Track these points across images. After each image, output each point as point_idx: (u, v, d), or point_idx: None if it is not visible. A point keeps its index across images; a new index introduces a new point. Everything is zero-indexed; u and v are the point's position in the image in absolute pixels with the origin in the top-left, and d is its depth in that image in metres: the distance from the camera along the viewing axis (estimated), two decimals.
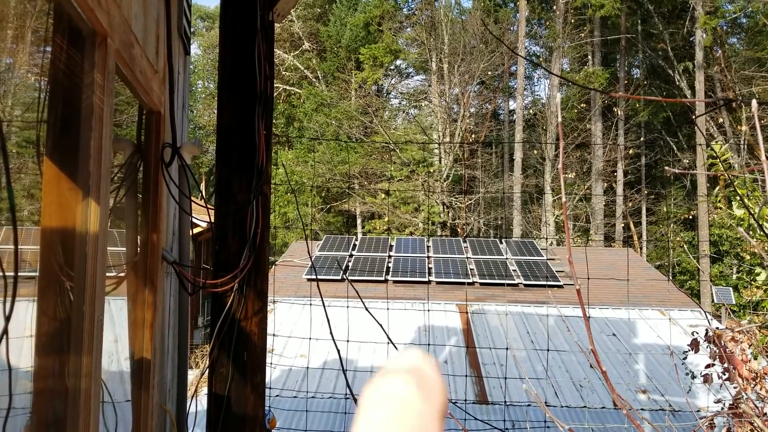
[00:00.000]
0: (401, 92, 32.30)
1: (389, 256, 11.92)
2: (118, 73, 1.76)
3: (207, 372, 2.45)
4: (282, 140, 30.23)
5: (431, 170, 26.30)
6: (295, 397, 6.85)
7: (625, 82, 27.73)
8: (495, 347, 8.24)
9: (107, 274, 1.72)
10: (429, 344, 8.01)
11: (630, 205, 26.41)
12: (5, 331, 1.06)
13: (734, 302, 15.79)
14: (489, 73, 27.98)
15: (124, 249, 2.43)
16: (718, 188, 22.06)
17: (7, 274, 1.12)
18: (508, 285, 10.64)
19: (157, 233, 2.40)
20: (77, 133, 1.52)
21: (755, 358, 3.57)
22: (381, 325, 2.52)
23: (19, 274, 1.19)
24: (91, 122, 1.51)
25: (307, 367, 7.07)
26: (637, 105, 26.75)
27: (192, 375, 9.26)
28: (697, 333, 3.98)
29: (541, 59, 29.04)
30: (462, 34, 27.44)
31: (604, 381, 7.24)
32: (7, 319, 1.07)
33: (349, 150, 25.93)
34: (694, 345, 3.95)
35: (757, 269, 15.97)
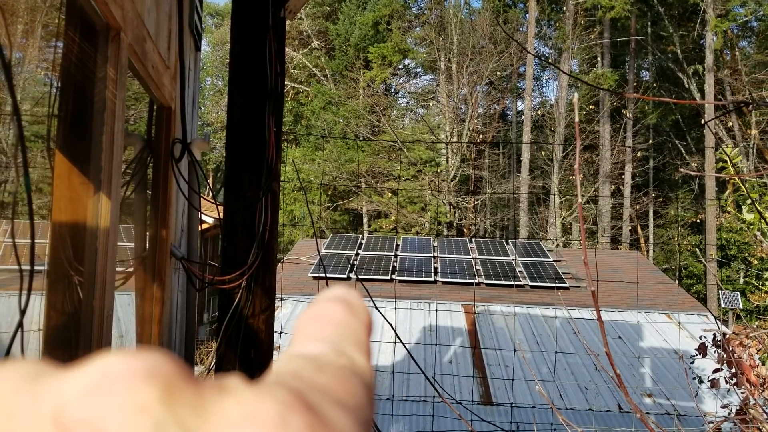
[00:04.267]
0: (409, 92, 32.28)
1: (395, 256, 11.91)
2: (130, 68, 1.76)
3: (213, 368, 2.45)
4: (290, 138, 30.26)
5: (438, 170, 26.27)
6: None
7: (635, 84, 27.61)
8: (500, 348, 8.22)
9: (116, 269, 1.71)
10: (434, 344, 7.99)
11: (637, 207, 26.30)
12: (20, 324, 1.06)
13: (741, 307, 15.71)
14: (497, 73, 27.91)
15: (133, 244, 2.43)
16: (727, 192, 21.97)
17: (20, 268, 1.12)
18: (515, 286, 10.61)
19: (166, 229, 2.40)
20: (89, 127, 1.52)
21: (763, 363, 3.54)
22: (391, 324, 2.50)
23: (28, 267, 1.19)
24: (104, 116, 1.50)
25: None
26: (646, 107, 26.64)
27: (198, 372, 9.28)
28: (705, 337, 3.96)
29: (550, 60, 28.96)
30: (471, 35, 27.38)
31: (609, 384, 7.22)
32: (23, 312, 1.07)
33: (356, 148, 25.93)
34: (702, 349, 3.93)
35: (766, 274, 15.90)
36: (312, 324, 0.25)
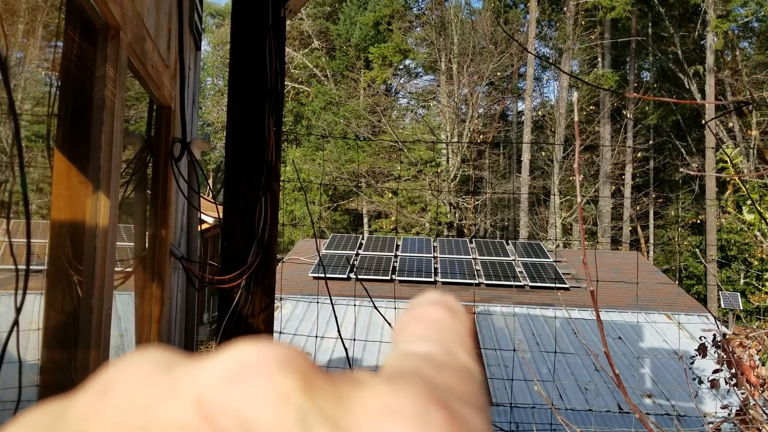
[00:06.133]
0: (410, 92, 32.27)
1: (395, 256, 11.91)
2: (129, 67, 1.76)
3: None
4: (290, 138, 30.26)
5: (439, 170, 26.28)
6: None
7: (635, 84, 27.60)
8: (500, 348, 8.21)
9: (115, 269, 1.71)
10: None
11: (638, 208, 26.30)
12: (16, 322, 1.06)
13: (741, 307, 15.70)
14: (498, 74, 27.92)
15: (133, 243, 2.43)
16: (728, 193, 21.98)
17: (17, 267, 1.12)
18: (515, 286, 10.61)
19: (166, 228, 2.40)
20: (88, 126, 1.52)
21: (763, 364, 3.54)
22: (390, 324, 2.50)
23: (27, 267, 1.19)
24: (103, 116, 1.50)
25: None
26: (647, 108, 26.63)
27: None
28: (705, 338, 3.96)
29: (550, 61, 28.96)
30: (471, 35, 27.38)
31: (609, 384, 7.21)
32: (18, 310, 1.07)
33: (357, 149, 25.93)
34: (702, 350, 3.93)
35: (767, 274, 15.89)
36: (416, 325, 0.25)
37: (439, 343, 0.23)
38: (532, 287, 10.67)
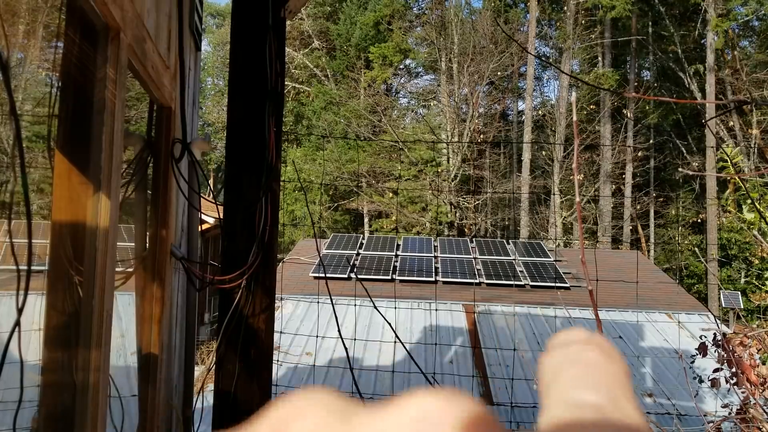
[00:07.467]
0: (410, 92, 32.28)
1: (396, 256, 11.91)
2: (129, 68, 1.76)
3: (213, 368, 2.45)
4: (291, 138, 30.25)
5: (439, 170, 26.27)
6: None
7: (635, 84, 27.59)
8: (501, 348, 8.21)
9: (116, 269, 1.71)
10: (435, 344, 7.99)
11: (638, 207, 26.29)
12: (17, 323, 1.06)
13: (742, 306, 15.68)
14: (498, 73, 27.91)
15: (133, 244, 2.43)
16: (728, 192, 21.97)
17: (18, 267, 1.12)
18: (515, 286, 10.61)
19: (166, 229, 2.40)
20: (89, 127, 1.52)
21: (764, 363, 3.54)
22: (390, 324, 2.51)
23: (28, 267, 1.19)
24: (103, 116, 1.50)
25: (313, 365, 7.07)
26: (647, 107, 26.62)
27: (198, 371, 9.28)
28: (706, 337, 3.96)
29: (551, 60, 28.96)
30: (472, 35, 27.38)
31: None
32: (20, 311, 1.07)
33: (357, 148, 25.92)
34: (702, 349, 3.94)
35: (767, 273, 15.89)
36: (573, 368, 0.23)
37: (603, 391, 0.22)
38: (532, 286, 10.66)
